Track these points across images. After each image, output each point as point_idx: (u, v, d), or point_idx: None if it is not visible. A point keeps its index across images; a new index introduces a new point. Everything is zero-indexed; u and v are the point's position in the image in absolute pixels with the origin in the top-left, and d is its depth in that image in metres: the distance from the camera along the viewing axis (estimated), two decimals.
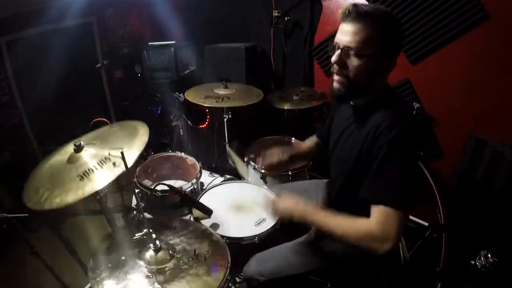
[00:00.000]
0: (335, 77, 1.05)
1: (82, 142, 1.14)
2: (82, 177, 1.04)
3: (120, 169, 0.99)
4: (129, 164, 1.07)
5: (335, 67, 1.02)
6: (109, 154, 1.10)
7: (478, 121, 1.88)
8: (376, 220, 0.92)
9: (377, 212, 0.93)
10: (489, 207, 1.64)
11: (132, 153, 1.12)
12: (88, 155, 1.12)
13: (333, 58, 1.01)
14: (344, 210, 1.21)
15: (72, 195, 0.98)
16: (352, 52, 0.95)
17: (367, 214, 1.00)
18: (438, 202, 1.85)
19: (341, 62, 0.99)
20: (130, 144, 1.16)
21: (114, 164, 1.04)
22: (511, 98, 1.76)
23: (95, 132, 1.30)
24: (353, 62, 0.96)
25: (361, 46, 0.93)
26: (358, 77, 0.98)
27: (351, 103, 1.14)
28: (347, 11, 0.95)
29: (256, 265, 1.27)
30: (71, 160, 1.12)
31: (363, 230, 0.94)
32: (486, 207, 1.66)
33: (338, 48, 0.99)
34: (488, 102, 1.84)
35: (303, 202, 1.10)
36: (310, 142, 1.60)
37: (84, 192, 0.99)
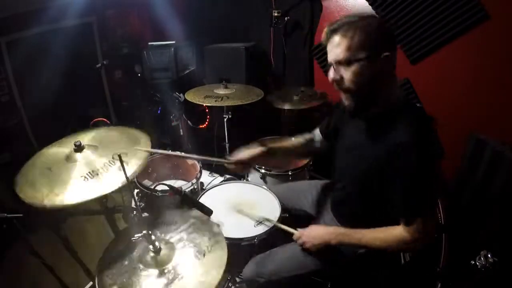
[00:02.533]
0: (341, 95, 1.06)
1: (82, 142, 1.14)
2: (86, 178, 1.03)
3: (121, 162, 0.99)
4: (134, 170, 1.09)
5: (336, 86, 1.03)
6: (112, 157, 1.10)
7: (478, 121, 1.88)
8: (414, 230, 1.00)
9: (404, 222, 1.02)
10: (489, 207, 1.64)
11: (135, 161, 1.12)
12: (90, 157, 1.12)
13: (330, 77, 1.02)
14: (347, 213, 1.23)
15: (76, 196, 0.98)
16: (342, 64, 0.96)
17: (369, 219, 1.11)
18: (438, 202, 1.85)
19: (338, 78, 1.00)
20: (133, 151, 1.16)
21: (120, 168, 1.03)
22: (511, 98, 1.76)
23: (94, 132, 1.30)
24: (347, 72, 0.96)
25: (347, 54, 0.94)
26: (358, 86, 0.97)
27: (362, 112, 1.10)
28: (326, 34, 0.98)
29: (256, 266, 1.27)
30: (70, 159, 1.11)
31: (397, 240, 1.04)
32: (486, 207, 1.66)
33: (331, 66, 1.00)
34: (488, 102, 1.84)
35: (332, 228, 1.20)
36: (301, 139, 1.47)
37: (90, 194, 0.99)
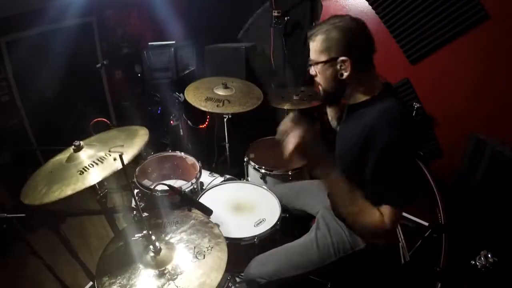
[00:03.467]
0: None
1: (81, 142, 1.15)
2: (82, 172, 1.04)
3: (122, 161, 0.99)
4: (130, 158, 1.08)
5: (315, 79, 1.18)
6: (109, 150, 1.11)
7: (478, 121, 1.88)
8: (389, 218, 0.99)
9: (388, 211, 0.99)
10: (489, 207, 1.64)
11: (132, 150, 1.12)
12: (88, 154, 1.13)
13: (310, 72, 1.18)
14: None
15: (71, 187, 0.98)
16: (313, 64, 1.13)
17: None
18: (438, 202, 1.85)
19: (313, 73, 1.16)
20: (130, 143, 1.17)
21: (114, 159, 1.04)
22: (511, 98, 1.76)
23: (96, 136, 1.31)
24: (316, 71, 1.13)
25: (313, 56, 1.11)
26: (324, 83, 1.13)
27: (349, 103, 1.18)
28: (307, 34, 1.12)
29: (257, 267, 1.27)
30: (70, 159, 1.12)
31: (377, 221, 0.99)
32: (486, 207, 1.66)
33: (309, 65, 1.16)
34: (488, 102, 1.84)
35: (324, 155, 1.06)
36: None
37: (84, 183, 0.99)
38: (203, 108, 2.02)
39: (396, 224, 1.01)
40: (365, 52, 1.06)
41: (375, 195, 1.01)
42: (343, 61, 1.04)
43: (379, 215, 0.99)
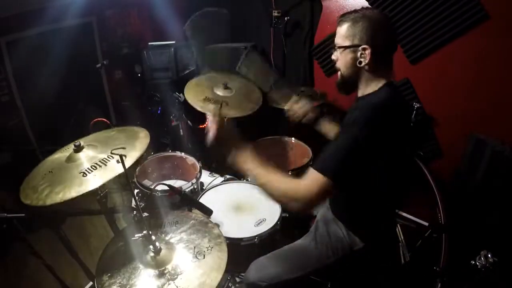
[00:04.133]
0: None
1: (81, 142, 1.15)
2: (86, 174, 1.04)
3: (123, 163, 0.99)
4: (131, 162, 1.09)
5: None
6: (111, 152, 1.11)
7: (478, 121, 1.88)
8: (304, 181, 0.99)
9: (309, 175, 0.99)
10: (489, 207, 1.64)
11: (135, 153, 1.12)
12: (90, 155, 1.13)
13: (332, 57, 1.20)
14: (342, 203, 1.25)
15: (74, 190, 0.98)
16: (335, 48, 1.16)
17: (361, 209, 1.15)
18: (438, 202, 1.85)
19: (334, 58, 1.19)
20: (132, 146, 1.17)
21: (118, 161, 1.03)
22: (511, 98, 1.76)
23: (94, 134, 1.31)
24: (338, 55, 1.16)
25: (339, 41, 1.13)
26: (343, 68, 1.16)
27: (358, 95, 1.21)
28: (337, 19, 1.15)
29: (257, 271, 1.27)
30: (70, 159, 1.12)
31: (289, 185, 1.01)
32: (486, 207, 1.66)
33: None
34: (488, 102, 1.84)
35: (245, 155, 1.13)
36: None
37: (88, 186, 1.00)
38: (199, 109, 2.02)
39: (314, 190, 0.96)
40: (385, 46, 1.09)
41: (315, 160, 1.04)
42: (364, 48, 1.07)
43: (295, 181, 1.00)
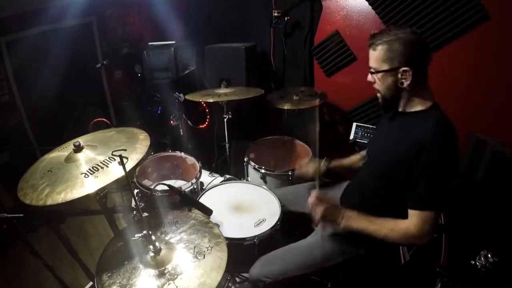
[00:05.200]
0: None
1: (81, 142, 1.15)
2: (87, 175, 1.04)
3: (123, 164, 0.99)
4: (133, 165, 1.09)
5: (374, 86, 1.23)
6: (112, 154, 1.11)
7: (478, 121, 1.88)
8: (414, 222, 1.08)
9: (414, 215, 1.09)
10: (489, 207, 1.64)
11: (135, 156, 1.12)
12: (90, 155, 1.13)
13: (368, 79, 1.23)
14: (368, 204, 1.26)
15: (76, 191, 0.98)
16: (373, 71, 1.18)
17: (389, 208, 1.18)
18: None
19: (372, 80, 1.21)
20: (133, 148, 1.17)
21: (119, 163, 1.03)
22: (511, 98, 1.76)
23: (93, 134, 1.30)
24: (376, 78, 1.19)
25: (376, 65, 1.16)
26: (384, 91, 1.18)
27: (399, 109, 1.24)
28: (368, 41, 1.17)
29: (262, 267, 1.29)
30: (69, 159, 1.12)
31: (404, 232, 1.10)
32: (486, 207, 1.66)
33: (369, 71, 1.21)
34: (488, 102, 1.84)
35: (342, 210, 1.22)
36: (355, 156, 1.63)
37: (89, 188, 1.00)
38: (199, 99, 2.03)
39: (429, 227, 1.07)
40: (424, 63, 1.12)
41: (412, 199, 1.10)
42: (404, 71, 1.10)
43: (404, 227, 1.10)
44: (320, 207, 1.22)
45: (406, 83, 1.12)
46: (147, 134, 1.27)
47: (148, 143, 1.21)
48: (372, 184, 1.26)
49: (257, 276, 1.27)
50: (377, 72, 1.16)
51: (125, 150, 1.15)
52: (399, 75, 1.11)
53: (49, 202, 0.97)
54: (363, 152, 1.56)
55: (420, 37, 1.12)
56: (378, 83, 1.18)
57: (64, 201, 0.96)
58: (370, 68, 1.20)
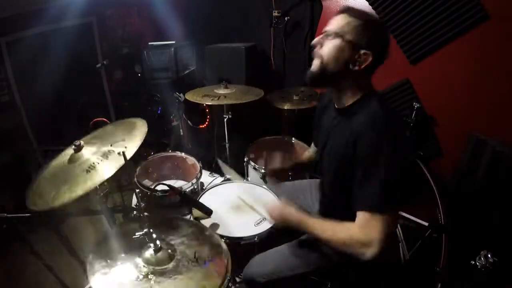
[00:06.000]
0: (313, 62, 1.09)
1: (81, 142, 1.15)
2: (89, 170, 1.05)
3: (126, 156, 0.99)
4: (133, 152, 1.09)
5: (314, 50, 1.08)
6: (111, 145, 1.11)
7: (478, 121, 1.88)
8: (358, 224, 0.96)
9: (359, 217, 0.97)
10: (489, 207, 1.64)
11: (134, 144, 1.13)
12: (90, 152, 1.14)
13: (314, 41, 1.08)
14: (335, 211, 1.23)
15: (81, 187, 0.99)
16: (330, 35, 1.04)
17: (344, 214, 1.05)
18: (438, 202, 1.85)
19: (320, 44, 1.07)
20: (130, 136, 1.18)
21: (119, 153, 1.03)
22: (511, 98, 1.76)
23: (93, 133, 1.31)
24: (329, 43, 1.03)
25: (339, 29, 1.02)
26: (329, 58, 1.04)
27: (336, 106, 1.17)
28: (340, 9, 1.06)
29: (256, 266, 1.27)
30: (72, 160, 1.12)
31: (346, 234, 0.98)
32: (486, 207, 1.66)
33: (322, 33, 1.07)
34: (488, 102, 1.84)
35: (295, 210, 1.13)
36: (310, 152, 1.62)
37: (93, 181, 1.00)
38: (198, 101, 2.04)
39: (376, 235, 0.92)
40: (382, 60, 1.05)
41: (355, 199, 1.00)
42: (366, 54, 1.00)
43: (348, 229, 0.98)
44: (278, 212, 1.17)
45: (357, 67, 1.02)
46: (144, 121, 1.28)
47: (146, 128, 1.22)
48: (334, 194, 1.20)
49: (251, 275, 1.25)
50: (337, 37, 1.01)
51: (124, 140, 1.15)
52: (356, 55, 1.01)
53: (56, 203, 0.97)
54: (312, 149, 1.58)
55: (388, 31, 1.07)
56: (328, 49, 1.03)
57: (70, 200, 0.96)
58: (325, 31, 1.05)
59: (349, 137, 1.02)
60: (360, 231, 0.95)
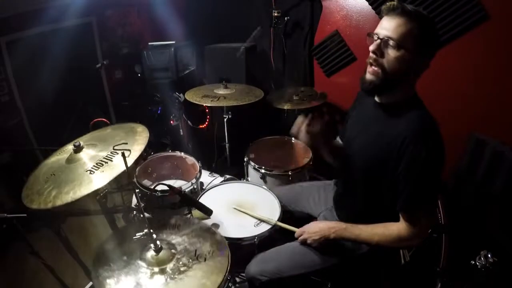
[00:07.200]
0: (369, 69, 1.05)
1: (81, 142, 1.15)
2: (92, 171, 1.05)
3: (130, 158, 1.00)
4: (136, 156, 1.10)
5: (372, 57, 1.03)
6: (114, 148, 1.11)
7: (478, 121, 1.88)
8: (404, 225, 1.05)
9: (404, 218, 1.05)
10: (489, 207, 1.64)
11: (138, 147, 1.13)
12: (90, 153, 1.14)
13: (372, 47, 1.02)
14: (348, 207, 1.23)
15: (85, 188, 0.99)
16: (392, 43, 0.97)
17: (369, 214, 1.14)
18: (438, 202, 1.85)
19: (379, 51, 1.00)
20: (133, 140, 1.18)
21: (123, 154, 1.03)
22: (511, 98, 1.76)
23: (90, 134, 1.31)
24: (392, 53, 0.98)
25: (402, 38, 0.96)
26: (392, 70, 1.00)
27: (377, 100, 1.15)
28: (392, 6, 0.99)
29: (259, 265, 1.27)
30: (71, 160, 1.12)
31: (396, 236, 1.06)
32: (486, 207, 1.66)
33: (378, 39, 1.00)
34: (488, 102, 1.84)
35: (332, 223, 1.22)
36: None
37: (96, 184, 1.00)
38: (198, 102, 2.04)
39: (423, 228, 1.04)
40: (434, 52, 1.03)
41: (404, 205, 1.04)
42: (425, 60, 1.00)
43: (397, 230, 1.06)
44: (311, 241, 1.22)
45: (417, 72, 1.01)
46: (144, 127, 1.27)
47: (147, 134, 1.22)
48: (360, 188, 1.20)
49: (253, 274, 1.25)
50: (400, 48, 0.96)
51: (126, 143, 1.15)
52: (418, 63, 0.99)
53: (58, 203, 0.97)
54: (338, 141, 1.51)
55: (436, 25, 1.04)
56: (391, 61, 0.98)
57: (74, 200, 0.96)
58: (387, 38, 0.98)
59: (395, 138, 1.02)
60: (406, 231, 1.04)
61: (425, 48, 0.98)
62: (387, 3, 1.01)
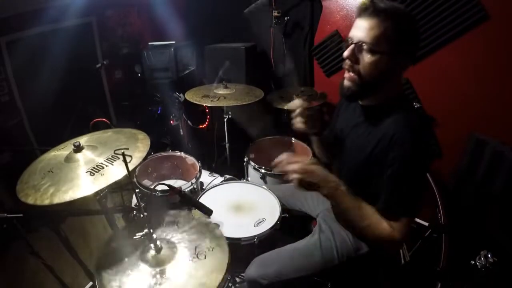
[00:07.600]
0: (346, 74, 1.02)
1: (81, 142, 1.15)
2: (92, 173, 1.05)
3: (131, 164, 1.00)
4: (137, 162, 1.10)
5: (347, 63, 0.99)
6: (114, 152, 1.11)
7: (478, 121, 1.88)
8: (399, 229, 0.97)
9: (400, 222, 0.97)
10: (489, 207, 1.64)
11: (139, 154, 1.14)
12: (90, 155, 1.14)
13: (345, 53, 0.98)
14: None
15: (85, 189, 0.99)
16: (365, 47, 0.93)
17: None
18: (438, 202, 1.85)
19: (353, 57, 0.96)
20: (134, 146, 1.18)
21: (123, 157, 1.03)
22: (511, 98, 1.76)
23: (89, 135, 1.31)
24: (366, 58, 0.94)
25: (375, 41, 0.91)
26: (369, 75, 0.96)
27: (360, 103, 1.12)
28: (364, 7, 0.94)
29: (259, 268, 1.26)
30: (70, 159, 1.12)
31: (387, 234, 0.97)
32: (486, 207, 1.66)
33: (352, 43, 0.96)
34: (488, 102, 1.84)
35: (335, 178, 1.01)
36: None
37: (96, 186, 1.01)
38: (197, 102, 2.04)
39: (406, 235, 0.97)
40: (416, 51, 0.99)
41: (388, 208, 0.99)
42: (404, 59, 0.95)
43: (389, 228, 0.97)
44: (299, 163, 0.98)
45: (396, 72, 0.96)
46: (145, 134, 1.27)
47: (149, 142, 1.22)
48: (355, 189, 1.11)
49: (253, 277, 1.24)
50: (374, 52, 0.91)
51: (127, 148, 1.15)
52: (395, 63, 0.93)
53: (56, 201, 0.97)
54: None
55: (414, 19, 0.98)
56: (366, 65, 0.94)
57: (72, 199, 0.96)
58: (353, 41, 0.93)
59: (380, 139, 0.99)
60: (399, 235, 0.96)
61: (402, 47, 0.92)
62: (360, 3, 0.95)
